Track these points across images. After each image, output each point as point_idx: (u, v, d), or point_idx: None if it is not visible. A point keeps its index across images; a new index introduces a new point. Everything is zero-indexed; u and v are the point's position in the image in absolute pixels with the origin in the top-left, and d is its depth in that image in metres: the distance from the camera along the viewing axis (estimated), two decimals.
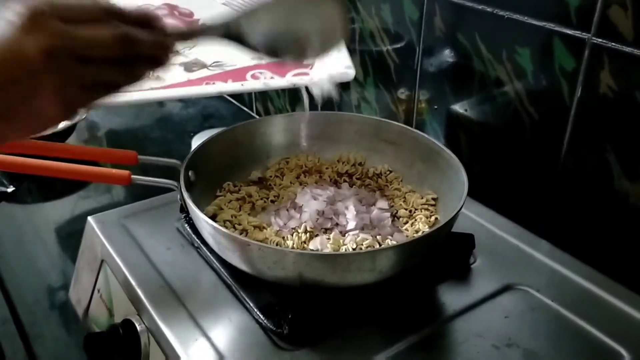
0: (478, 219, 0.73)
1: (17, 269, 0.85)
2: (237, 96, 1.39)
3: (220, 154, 0.73)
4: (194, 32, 0.45)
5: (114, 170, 0.65)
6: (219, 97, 1.42)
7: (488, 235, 0.71)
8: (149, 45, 0.40)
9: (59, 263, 0.86)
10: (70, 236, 0.89)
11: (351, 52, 0.97)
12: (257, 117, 1.31)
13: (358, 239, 0.62)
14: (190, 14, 1.05)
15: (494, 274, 0.65)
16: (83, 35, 0.37)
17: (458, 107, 0.82)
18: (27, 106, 0.37)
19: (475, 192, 0.67)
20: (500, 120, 0.77)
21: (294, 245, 0.62)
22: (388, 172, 0.76)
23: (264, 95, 1.28)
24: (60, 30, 0.36)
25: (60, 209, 0.99)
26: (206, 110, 1.35)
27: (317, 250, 0.62)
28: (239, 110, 1.37)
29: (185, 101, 1.37)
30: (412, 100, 0.90)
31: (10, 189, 1.01)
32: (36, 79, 0.36)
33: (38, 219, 0.97)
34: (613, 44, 0.62)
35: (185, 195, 0.61)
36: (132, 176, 0.65)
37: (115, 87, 0.41)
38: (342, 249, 0.62)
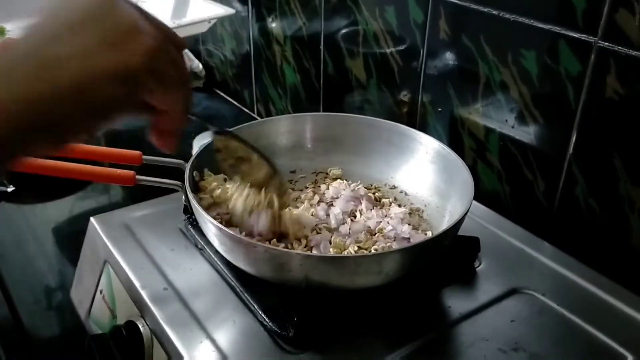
0: (482, 222, 0.73)
1: (17, 269, 0.84)
2: (239, 98, 1.38)
3: None
4: None
5: (119, 171, 0.64)
6: (220, 99, 1.42)
7: (492, 239, 0.71)
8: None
9: (59, 263, 0.86)
10: (71, 236, 0.89)
11: (354, 54, 0.97)
12: (259, 118, 1.31)
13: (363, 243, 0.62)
14: None
15: (500, 278, 0.65)
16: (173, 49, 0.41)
17: (462, 110, 0.82)
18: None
19: (480, 195, 0.67)
20: (504, 123, 0.77)
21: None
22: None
23: (265, 97, 1.28)
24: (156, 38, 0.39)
25: (60, 209, 0.99)
26: (207, 112, 1.35)
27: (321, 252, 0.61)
28: (240, 111, 1.37)
29: None
30: (415, 103, 0.89)
31: (10, 189, 1.00)
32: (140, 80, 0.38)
33: (38, 219, 0.96)
34: (620, 47, 0.62)
35: (191, 196, 0.60)
36: (137, 177, 0.64)
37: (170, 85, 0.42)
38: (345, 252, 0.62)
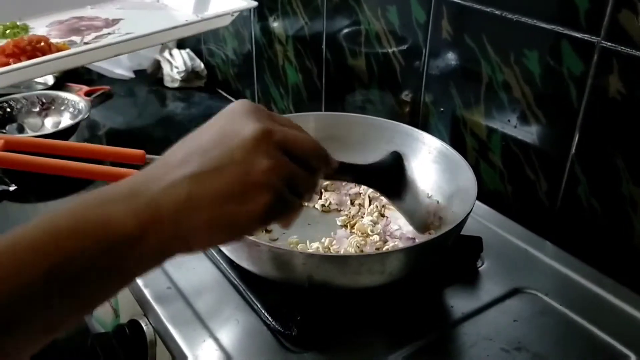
0: (485, 222, 0.73)
1: None
2: (240, 97, 1.38)
3: None
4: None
5: (122, 170, 0.64)
6: (222, 98, 1.42)
7: (495, 238, 0.71)
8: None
9: None
10: None
11: (356, 54, 0.97)
12: None
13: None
14: (96, 18, 1.20)
15: (502, 277, 0.65)
16: (298, 172, 0.41)
17: (464, 110, 0.82)
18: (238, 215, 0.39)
19: (482, 195, 0.67)
20: (506, 123, 0.77)
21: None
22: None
23: (267, 97, 1.28)
24: (283, 162, 0.40)
25: (63, 208, 0.98)
26: (209, 111, 1.34)
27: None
28: None
29: (187, 101, 1.37)
30: (417, 103, 0.90)
31: (12, 188, 1.00)
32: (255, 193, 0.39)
33: None
34: (622, 47, 0.62)
35: None
36: None
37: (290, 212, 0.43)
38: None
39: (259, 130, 0.40)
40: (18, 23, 1.18)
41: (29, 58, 0.96)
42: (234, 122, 0.41)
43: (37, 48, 1.00)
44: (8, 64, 0.95)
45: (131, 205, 0.36)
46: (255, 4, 1.13)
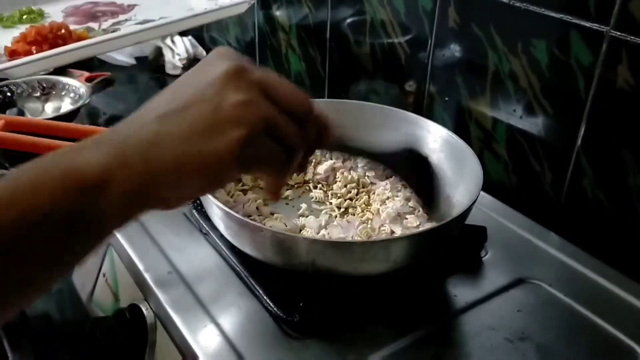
0: (489, 212, 0.73)
1: None
2: None
3: None
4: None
5: None
6: None
7: (499, 228, 0.70)
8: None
9: None
10: None
11: (361, 42, 0.97)
12: None
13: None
14: (111, 3, 1.20)
15: (506, 267, 0.64)
16: (279, 118, 0.39)
17: (470, 100, 0.82)
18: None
19: (486, 185, 0.66)
20: (512, 114, 0.76)
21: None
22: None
23: None
24: (259, 100, 0.38)
25: None
26: None
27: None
28: None
29: None
30: (422, 92, 0.89)
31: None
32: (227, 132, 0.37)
33: None
34: (632, 37, 0.62)
35: None
36: None
37: (273, 164, 0.41)
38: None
39: (232, 66, 0.37)
40: (33, 8, 1.18)
41: (51, 46, 0.98)
42: (208, 63, 0.39)
43: (58, 36, 1.02)
44: (30, 51, 0.96)
45: (98, 150, 0.35)
46: None
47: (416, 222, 0.64)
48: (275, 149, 0.39)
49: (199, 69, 0.39)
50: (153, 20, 1.08)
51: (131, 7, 1.19)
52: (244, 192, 0.70)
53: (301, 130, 0.40)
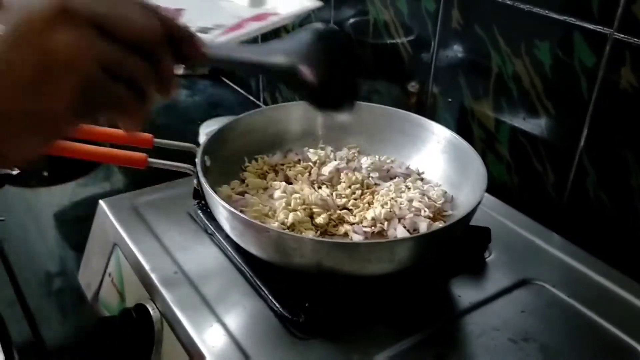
0: (492, 213, 0.73)
1: (23, 252, 0.84)
2: (244, 86, 1.38)
3: (235, 140, 0.72)
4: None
5: (131, 153, 0.64)
6: (226, 86, 1.41)
7: (502, 230, 0.71)
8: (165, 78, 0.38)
9: (65, 246, 0.86)
10: (76, 220, 0.89)
11: (364, 43, 0.97)
12: (264, 106, 1.30)
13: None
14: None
15: (510, 269, 0.65)
16: (118, 55, 0.34)
17: (472, 101, 0.82)
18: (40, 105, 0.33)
19: (488, 186, 0.67)
20: (515, 115, 0.76)
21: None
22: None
23: (272, 86, 1.27)
24: (90, 40, 0.33)
25: (65, 193, 0.98)
26: (212, 99, 1.34)
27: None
28: (245, 99, 1.36)
29: (191, 89, 1.36)
30: (425, 93, 0.89)
31: (15, 172, 1.00)
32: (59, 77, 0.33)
33: (43, 202, 0.96)
34: (636, 39, 0.62)
35: (202, 179, 0.60)
36: (149, 159, 0.64)
37: (121, 107, 0.37)
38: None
39: (55, 1, 0.33)
40: None
41: None
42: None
43: None
44: None
45: None
46: (321, 3, 0.94)
47: (420, 223, 0.64)
48: (119, 90, 0.35)
49: (18, 6, 0.33)
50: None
51: (179, 11, 1.15)
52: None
53: (151, 63, 0.36)
